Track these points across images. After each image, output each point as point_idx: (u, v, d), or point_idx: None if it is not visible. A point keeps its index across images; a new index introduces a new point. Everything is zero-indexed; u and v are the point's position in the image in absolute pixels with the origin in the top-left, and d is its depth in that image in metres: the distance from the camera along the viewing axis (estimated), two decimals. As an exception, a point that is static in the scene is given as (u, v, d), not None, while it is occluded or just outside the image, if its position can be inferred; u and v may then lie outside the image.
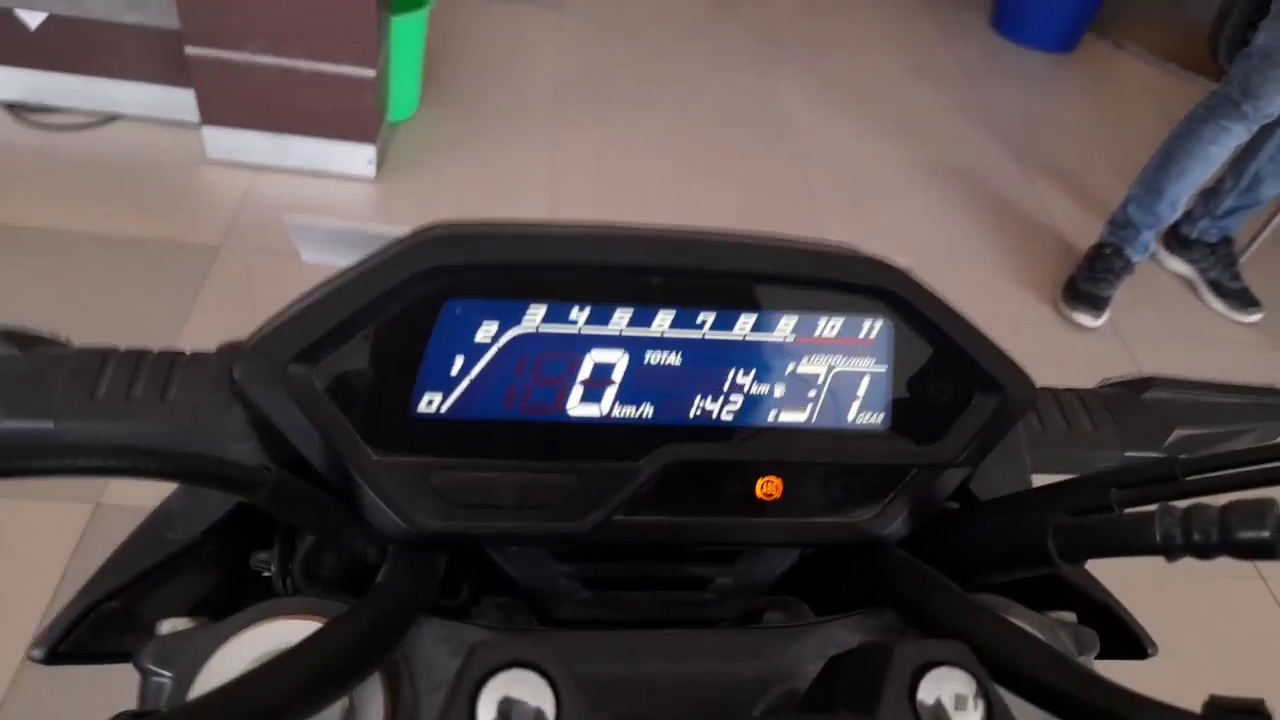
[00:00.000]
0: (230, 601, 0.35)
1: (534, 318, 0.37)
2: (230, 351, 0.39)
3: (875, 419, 0.40)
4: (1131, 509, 0.35)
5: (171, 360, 0.42)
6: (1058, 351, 2.12)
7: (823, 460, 0.40)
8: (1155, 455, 0.49)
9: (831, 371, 0.40)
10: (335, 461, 0.36)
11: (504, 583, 0.42)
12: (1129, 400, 0.51)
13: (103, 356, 0.42)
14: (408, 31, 2.14)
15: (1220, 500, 0.31)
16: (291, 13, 1.84)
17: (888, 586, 0.40)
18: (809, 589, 0.46)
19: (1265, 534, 0.29)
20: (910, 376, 0.40)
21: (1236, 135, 1.97)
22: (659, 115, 2.60)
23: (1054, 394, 0.50)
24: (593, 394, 0.38)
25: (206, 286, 1.81)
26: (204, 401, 0.40)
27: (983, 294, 2.24)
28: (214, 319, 1.75)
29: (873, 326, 0.39)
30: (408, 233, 0.36)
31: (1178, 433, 0.49)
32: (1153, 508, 0.32)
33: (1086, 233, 2.37)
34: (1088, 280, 2.18)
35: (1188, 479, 0.35)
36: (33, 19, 1.96)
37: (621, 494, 0.38)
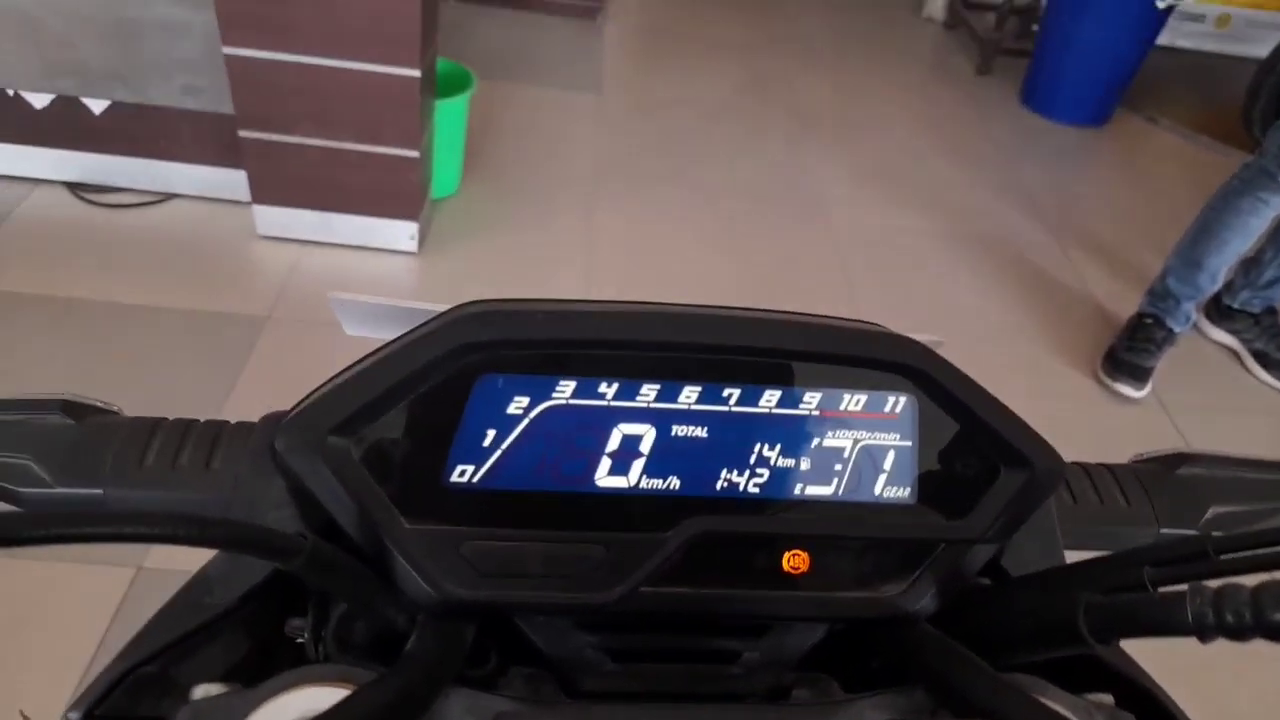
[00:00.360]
0: (264, 668, 0.36)
1: (564, 391, 0.38)
2: (272, 422, 0.41)
3: (902, 493, 0.41)
4: (1165, 588, 0.35)
5: (217, 430, 0.44)
6: (1102, 424, 2.08)
7: (849, 534, 0.40)
8: (1191, 533, 0.48)
9: (857, 445, 0.40)
10: (369, 530, 0.37)
11: (531, 653, 0.42)
12: (1163, 476, 0.50)
13: (152, 426, 0.44)
14: (450, 114, 2.22)
15: (1253, 580, 0.31)
16: (340, 98, 1.92)
17: (917, 664, 0.40)
18: (837, 665, 0.46)
19: None
20: (936, 451, 0.40)
21: (1275, 206, 1.96)
22: (692, 193, 2.65)
23: (1086, 469, 0.50)
24: (620, 466, 0.39)
25: (253, 357, 1.86)
26: (246, 470, 0.41)
27: (1023, 366, 2.22)
28: (259, 388, 1.79)
29: (897, 402, 0.40)
30: (445, 309, 0.37)
31: (1213, 509, 0.48)
32: (1184, 587, 0.32)
33: (1125, 304, 2.35)
34: (1128, 350, 2.15)
35: (1222, 557, 0.34)
36: (97, 105, 2.07)
37: (648, 565, 0.39)
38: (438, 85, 2.12)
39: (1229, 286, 2.29)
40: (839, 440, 0.40)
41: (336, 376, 0.38)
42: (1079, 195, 3.04)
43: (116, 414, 0.46)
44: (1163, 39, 3.31)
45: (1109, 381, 2.16)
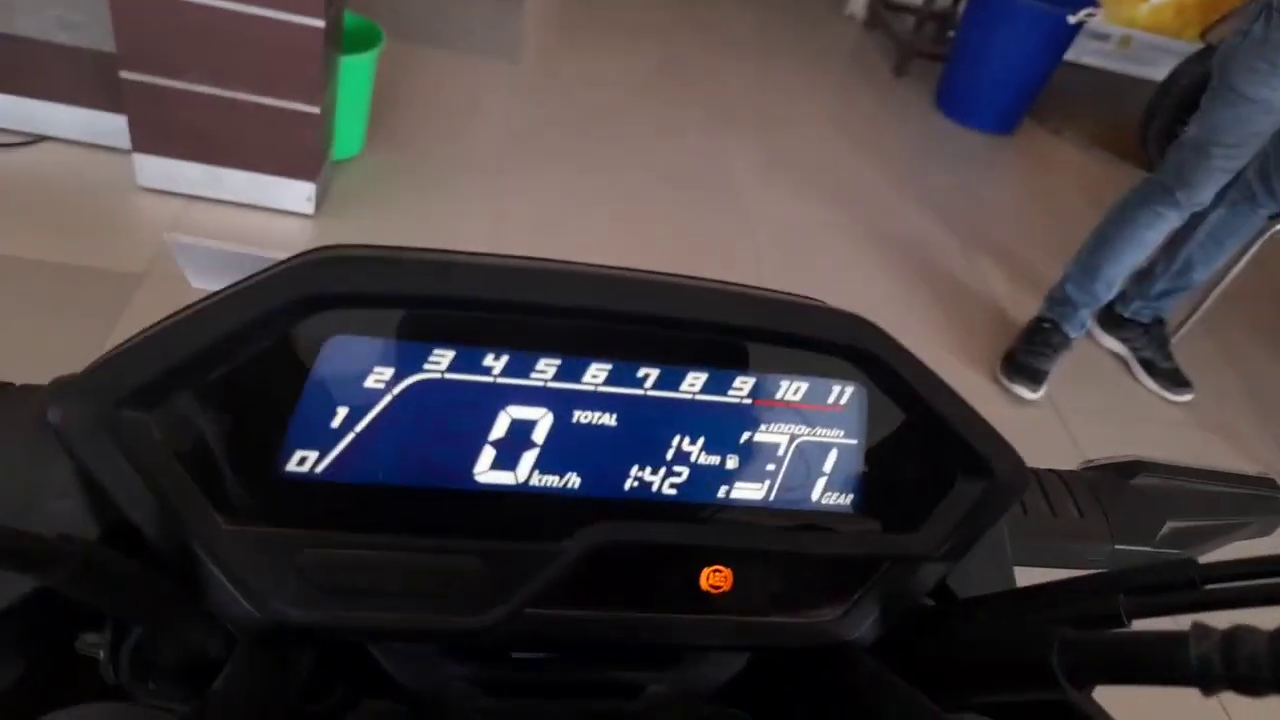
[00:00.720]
0: (47, 695, 0.29)
1: (439, 363, 0.30)
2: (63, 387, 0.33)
3: (843, 500, 0.35)
4: (1140, 619, 0.30)
5: None
6: (998, 424, 2.11)
7: (781, 548, 0.34)
8: (1148, 550, 0.45)
9: (794, 442, 0.34)
10: (172, 531, 0.29)
11: (386, 684, 0.35)
12: (1118, 486, 0.46)
13: None
14: (356, 71, 2.10)
15: (1261, 619, 0.26)
16: (236, 43, 1.78)
17: (853, 701, 0.34)
18: (759, 700, 0.39)
19: None
20: (885, 452, 0.35)
21: (1170, 221, 2.03)
22: (605, 172, 2.59)
23: (1037, 475, 0.45)
24: (507, 458, 0.32)
25: (124, 317, 1.72)
26: (21, 447, 0.32)
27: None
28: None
29: (843, 392, 0.34)
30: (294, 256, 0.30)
31: (1169, 524, 0.45)
32: (1168, 622, 0.27)
33: (1023, 308, 2.40)
34: (1026, 353, 2.20)
35: (1208, 587, 0.30)
36: (-43, 33, 1.88)
37: (536, 582, 0.32)
38: (344, 40, 2.00)
39: (1122, 296, 2.37)
40: (773, 435, 0.34)
41: (141, 333, 0.30)
42: (984, 200, 3.10)
43: None
44: (1069, 55, 3.41)
45: (1007, 383, 2.21)
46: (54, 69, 1.94)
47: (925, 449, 0.36)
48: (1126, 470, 0.47)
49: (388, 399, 0.30)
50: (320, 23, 1.76)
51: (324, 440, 0.30)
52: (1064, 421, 2.20)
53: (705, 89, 3.21)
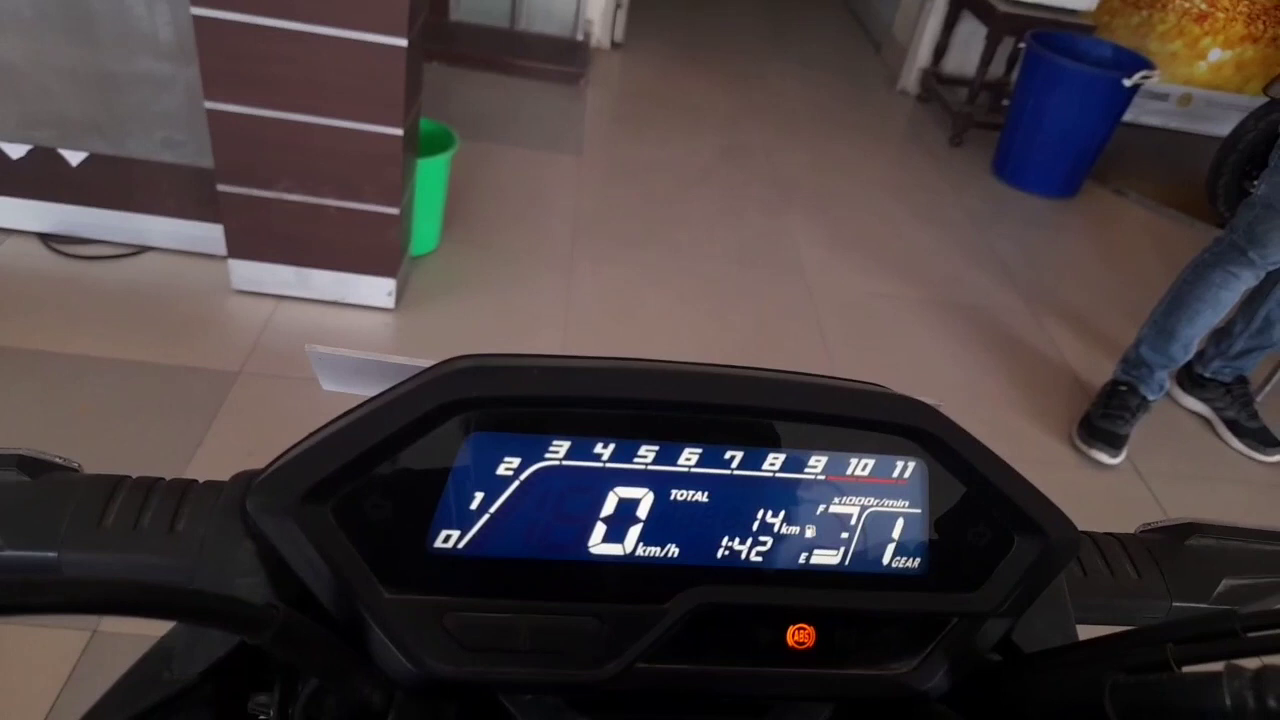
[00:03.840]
0: None
1: (557, 452, 0.36)
2: (244, 481, 0.38)
3: (912, 563, 0.39)
4: (1190, 666, 0.33)
5: (183, 490, 0.41)
6: (1078, 490, 2.08)
7: (858, 607, 0.38)
8: (1205, 607, 0.47)
9: (865, 512, 0.38)
10: (346, 600, 0.35)
11: None
12: (1173, 547, 0.49)
13: (113, 485, 0.41)
14: (432, 172, 2.22)
15: None
16: (321, 155, 1.91)
17: None
18: None
19: None
20: (947, 520, 0.39)
21: (1245, 280, 2.00)
22: (670, 256, 2.66)
23: (1094, 539, 0.48)
24: (616, 532, 0.36)
25: (222, 413, 1.82)
26: (213, 533, 0.38)
27: (999, 432, 2.22)
28: (226, 445, 1.74)
29: (906, 466, 0.38)
30: (430, 365, 0.36)
31: (1226, 582, 0.47)
32: (1217, 667, 0.30)
33: (1097, 370, 2.37)
34: (1103, 418, 2.17)
35: (1250, 635, 0.33)
36: (75, 157, 2.06)
37: (645, 639, 0.36)
38: (420, 144, 2.12)
39: (1201, 356, 2.32)
40: (846, 507, 0.38)
41: (314, 434, 0.35)
42: (1050, 264, 3.09)
43: (76, 470, 0.43)
44: (1128, 116, 3.42)
45: (1084, 448, 2.17)
46: (158, 185, 2.11)
47: (983, 515, 0.39)
48: (1181, 531, 0.49)
49: (516, 484, 0.36)
50: (399, 131, 1.89)
51: (465, 520, 0.36)
52: (1148, 485, 2.14)
53: (765, 169, 3.29)
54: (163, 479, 0.42)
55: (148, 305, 2.07)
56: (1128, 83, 3.12)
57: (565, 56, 3.63)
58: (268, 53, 1.76)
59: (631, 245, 2.67)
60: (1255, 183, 3.35)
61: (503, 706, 0.39)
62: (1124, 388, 2.19)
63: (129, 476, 0.42)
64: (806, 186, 3.23)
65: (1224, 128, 3.54)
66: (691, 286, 2.55)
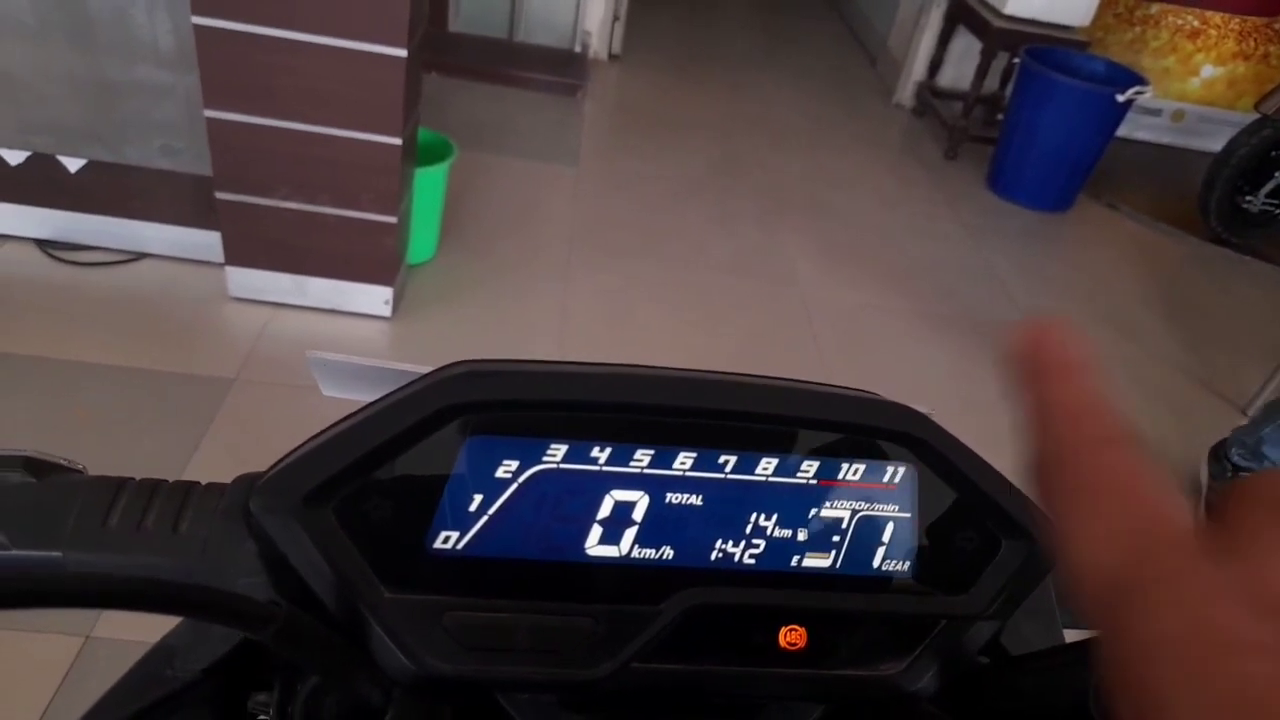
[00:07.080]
0: None
1: (555, 455, 0.36)
2: (246, 483, 0.39)
3: (901, 566, 0.40)
4: None
5: (186, 491, 0.42)
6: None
7: (849, 608, 0.39)
8: None
9: (856, 516, 0.39)
10: (346, 599, 0.35)
11: None
12: None
13: (117, 486, 0.42)
14: (429, 182, 2.23)
15: None
16: (320, 163, 1.92)
17: None
18: None
19: None
20: (936, 523, 0.40)
21: None
22: (666, 266, 2.68)
23: None
24: (612, 534, 0.37)
25: (218, 418, 1.82)
26: (215, 534, 0.39)
27: (989, 441, 2.22)
28: (223, 450, 1.75)
29: (896, 471, 0.39)
30: (430, 370, 0.36)
31: None
32: None
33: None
34: (1211, 490, 2.17)
35: None
36: (73, 164, 2.06)
37: (639, 640, 0.37)
38: (419, 153, 2.13)
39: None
40: (837, 510, 0.39)
41: (316, 437, 0.36)
42: (1043, 276, 3.11)
43: (80, 472, 0.44)
44: (1122, 131, 3.45)
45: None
46: (156, 192, 2.12)
47: (972, 520, 0.40)
48: None
49: (514, 487, 0.36)
50: (398, 141, 1.90)
51: (464, 522, 0.36)
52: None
53: (759, 181, 3.31)
54: (166, 481, 0.43)
55: (145, 312, 2.07)
56: (1121, 98, 3.15)
57: (563, 68, 3.66)
58: (268, 62, 1.77)
59: (627, 255, 2.68)
60: (1247, 198, 3.38)
61: (499, 705, 0.40)
62: (1245, 471, 2.20)
63: (133, 479, 0.43)
64: (801, 198, 3.25)
65: (1216, 143, 3.57)
66: (686, 297, 2.56)
